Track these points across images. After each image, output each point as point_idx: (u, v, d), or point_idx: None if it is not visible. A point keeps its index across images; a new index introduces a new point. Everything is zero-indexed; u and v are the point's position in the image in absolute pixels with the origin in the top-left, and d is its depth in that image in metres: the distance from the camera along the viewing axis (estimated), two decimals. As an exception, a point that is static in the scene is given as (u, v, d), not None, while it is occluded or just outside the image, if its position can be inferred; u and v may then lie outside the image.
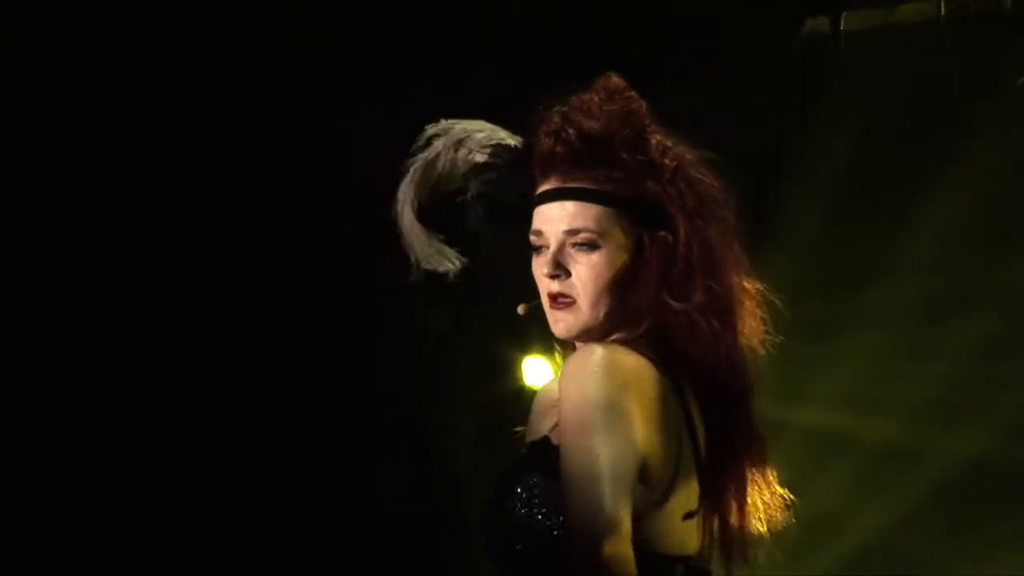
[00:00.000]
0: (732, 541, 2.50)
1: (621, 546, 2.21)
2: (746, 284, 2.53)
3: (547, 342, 5.69)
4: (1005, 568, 5.42)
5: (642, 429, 2.31)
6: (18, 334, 5.08)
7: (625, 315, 2.46)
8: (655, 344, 2.43)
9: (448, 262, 2.62)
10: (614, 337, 2.45)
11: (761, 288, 2.55)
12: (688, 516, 2.41)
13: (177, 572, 5.28)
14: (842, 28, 5.54)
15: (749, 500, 2.52)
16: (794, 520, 2.59)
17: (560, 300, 2.47)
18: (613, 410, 2.28)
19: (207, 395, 5.30)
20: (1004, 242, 5.47)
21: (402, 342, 5.53)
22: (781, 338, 2.55)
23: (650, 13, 5.34)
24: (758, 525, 2.54)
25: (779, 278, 2.62)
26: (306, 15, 5.28)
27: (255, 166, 5.31)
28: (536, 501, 2.37)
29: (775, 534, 2.57)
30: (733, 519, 2.49)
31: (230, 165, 5.28)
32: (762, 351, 2.54)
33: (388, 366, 5.53)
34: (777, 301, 2.56)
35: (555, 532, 2.33)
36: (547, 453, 2.36)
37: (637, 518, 2.28)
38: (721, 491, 2.48)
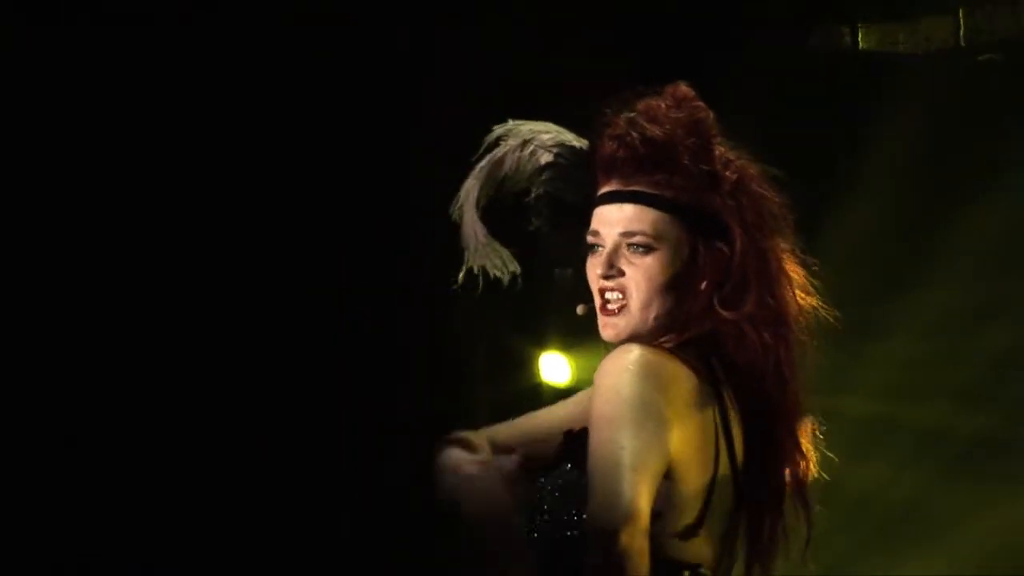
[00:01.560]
0: (758, 557, 2.50)
1: (637, 538, 2.22)
2: (800, 299, 2.54)
3: (567, 339, 5.61)
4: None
5: (674, 432, 2.33)
6: (15, 335, 5.03)
7: (674, 321, 2.48)
8: (702, 351, 2.45)
9: (503, 265, 2.64)
10: (659, 341, 2.47)
11: (816, 305, 2.56)
12: (717, 529, 2.41)
13: (178, 572, 5.24)
14: (860, 41, 5.58)
15: (783, 517, 2.51)
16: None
17: (611, 303, 2.49)
18: (643, 407, 2.30)
19: (212, 392, 5.25)
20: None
21: (418, 338, 5.47)
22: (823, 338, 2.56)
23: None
24: (788, 543, 2.54)
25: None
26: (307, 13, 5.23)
27: (259, 163, 5.27)
28: (565, 491, 2.40)
29: (803, 554, 2.55)
30: (764, 534, 2.49)
31: (231, 163, 5.24)
32: (809, 370, 2.54)
33: (404, 363, 5.51)
34: (829, 316, 2.57)
35: (577, 521, 2.36)
36: (581, 445, 2.36)
37: (658, 519, 2.29)
38: (756, 505, 2.48)
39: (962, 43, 5.57)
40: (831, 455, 2.56)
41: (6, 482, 4.97)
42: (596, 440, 2.28)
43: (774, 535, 2.50)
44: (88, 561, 5.07)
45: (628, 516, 2.21)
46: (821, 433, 2.56)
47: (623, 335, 2.47)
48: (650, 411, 2.30)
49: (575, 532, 2.36)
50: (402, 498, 5.37)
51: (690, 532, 2.38)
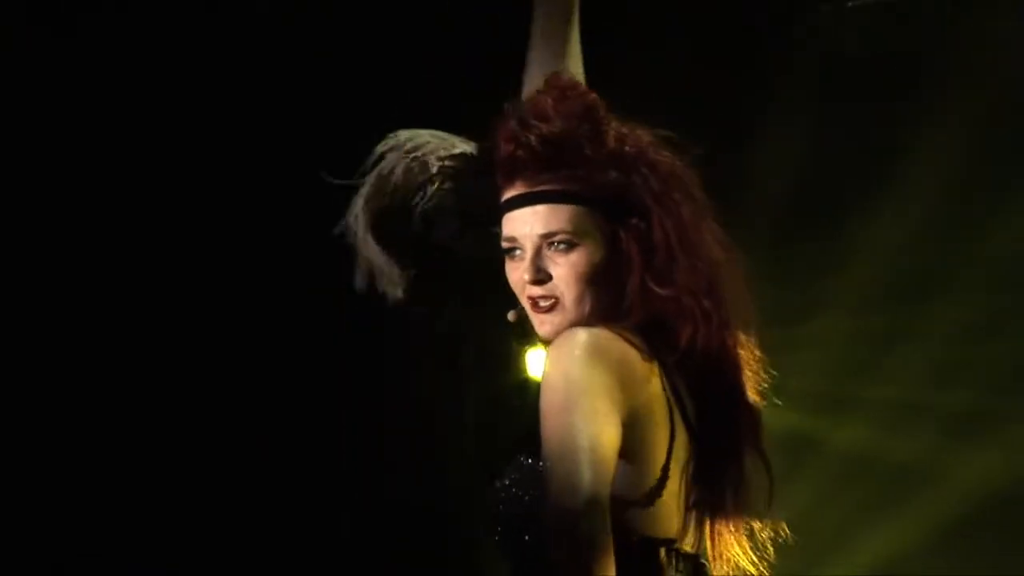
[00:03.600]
0: (725, 526, 2.50)
1: (599, 522, 2.21)
2: (728, 258, 2.53)
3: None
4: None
5: (626, 410, 2.31)
6: (17, 336, 5.09)
7: (611, 308, 2.45)
8: (644, 330, 2.42)
9: (393, 285, 2.64)
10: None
11: (743, 261, 2.55)
12: (681, 501, 2.41)
13: (179, 572, 5.27)
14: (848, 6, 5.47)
15: (741, 485, 2.51)
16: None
17: (543, 303, 2.47)
18: (595, 390, 2.28)
19: (208, 388, 5.31)
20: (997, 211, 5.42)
21: (405, 335, 5.49)
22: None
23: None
24: (752, 513, 2.54)
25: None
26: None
27: (257, 162, 5.31)
28: (523, 481, 2.39)
29: (769, 522, 2.55)
30: (728, 504, 2.49)
31: (231, 162, 5.29)
32: (752, 328, 2.54)
33: (391, 359, 5.53)
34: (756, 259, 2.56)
35: (537, 511, 2.34)
36: (536, 435, 2.35)
37: (620, 499, 2.29)
38: (717, 475, 2.48)
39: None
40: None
41: (7, 482, 5.03)
42: (550, 426, 2.27)
43: (738, 504, 2.50)
44: (89, 561, 5.12)
45: (587, 501, 2.20)
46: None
47: (561, 330, 2.44)
48: (601, 393, 2.28)
49: (536, 521, 2.34)
50: (398, 494, 5.51)
51: (651, 499, 2.37)
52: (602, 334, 2.36)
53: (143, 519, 5.20)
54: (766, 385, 2.55)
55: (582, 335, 2.34)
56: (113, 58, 5.07)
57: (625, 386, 2.32)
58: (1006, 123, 5.30)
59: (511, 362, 5.49)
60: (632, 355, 2.36)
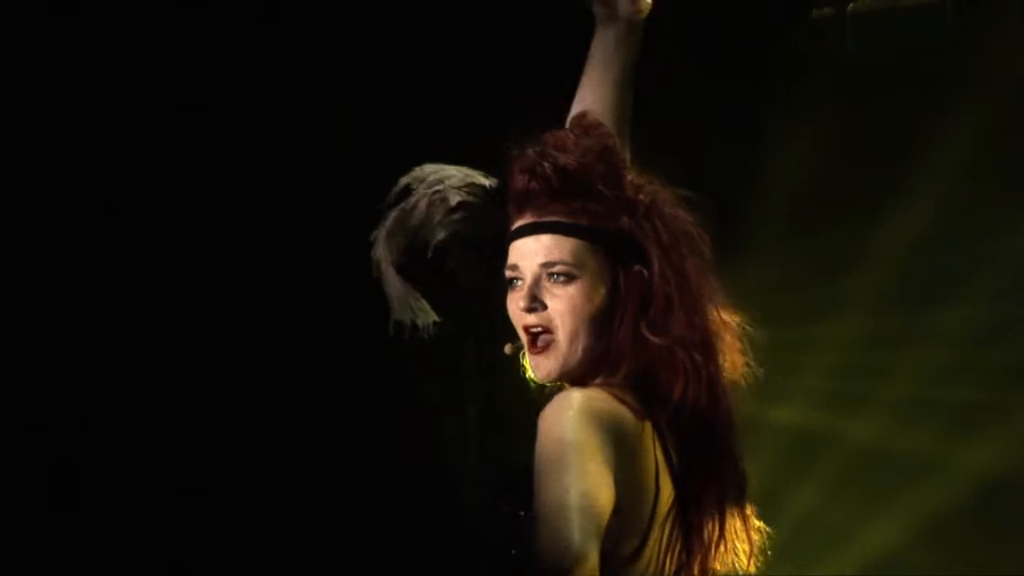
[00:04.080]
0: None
1: None
2: (725, 316, 2.53)
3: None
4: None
5: (617, 476, 2.33)
6: (20, 337, 5.09)
7: (604, 353, 2.47)
8: (636, 384, 2.45)
9: (421, 316, 2.65)
10: (595, 382, 2.47)
11: (740, 319, 2.56)
12: (664, 559, 2.43)
13: (179, 571, 5.29)
14: (849, 11, 5.54)
15: (727, 541, 2.53)
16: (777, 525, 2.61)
17: (538, 339, 2.48)
18: (587, 451, 2.30)
19: (214, 391, 5.30)
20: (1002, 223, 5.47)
21: (406, 337, 5.48)
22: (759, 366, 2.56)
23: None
24: (736, 564, 2.55)
25: (774, 263, 2.60)
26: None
27: (259, 165, 5.31)
28: (512, 534, 2.40)
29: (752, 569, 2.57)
30: (710, 562, 2.50)
31: (235, 163, 5.29)
32: (743, 383, 2.55)
33: (391, 361, 5.46)
34: (755, 331, 2.57)
35: (525, 562, 2.35)
36: (524, 486, 2.38)
37: (604, 556, 2.29)
38: (699, 532, 2.48)
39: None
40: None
41: (8, 482, 5.04)
42: (541, 484, 2.29)
43: (719, 560, 2.52)
44: (90, 560, 5.12)
45: (577, 557, 2.22)
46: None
47: (554, 373, 2.49)
48: (593, 455, 2.30)
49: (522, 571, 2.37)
50: (405, 493, 5.51)
51: (635, 557, 2.39)
52: (595, 395, 2.39)
53: (145, 519, 5.21)
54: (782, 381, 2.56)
55: (576, 396, 2.36)
56: (128, 57, 5.11)
57: (616, 447, 2.34)
58: (1020, 125, 5.37)
59: (511, 363, 5.51)
60: (624, 415, 2.39)
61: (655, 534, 2.41)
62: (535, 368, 2.51)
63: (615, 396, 2.41)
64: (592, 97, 2.69)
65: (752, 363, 2.55)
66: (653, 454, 2.41)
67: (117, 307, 5.20)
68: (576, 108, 2.70)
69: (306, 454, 5.40)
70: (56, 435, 5.12)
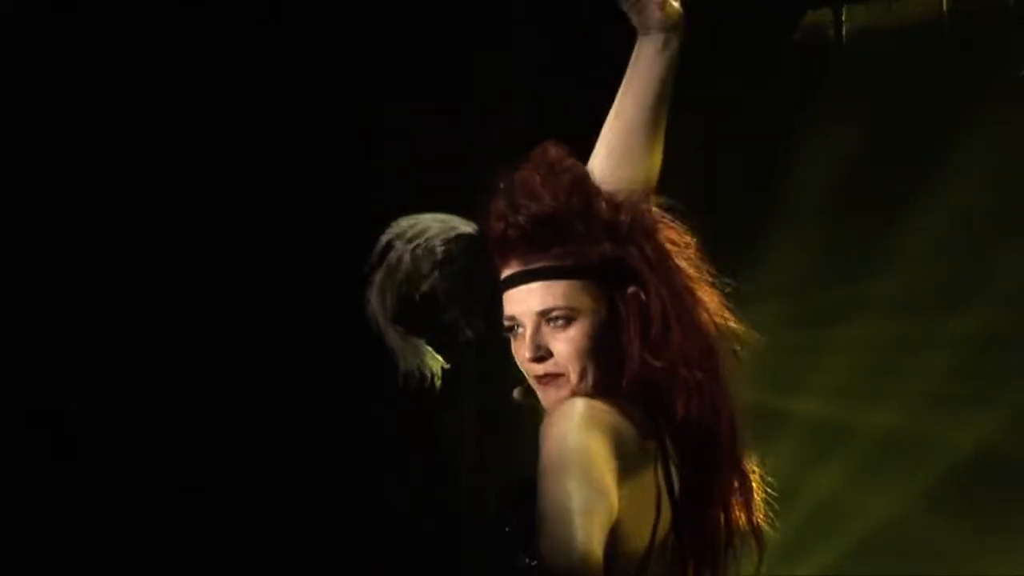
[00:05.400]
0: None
1: None
2: (722, 324, 2.53)
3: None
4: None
5: (619, 478, 2.32)
6: (25, 338, 5.09)
7: (611, 378, 2.46)
8: (639, 401, 2.44)
9: (432, 361, 2.65)
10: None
11: (740, 325, 2.54)
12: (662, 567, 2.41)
13: (180, 570, 5.29)
14: (844, 20, 5.57)
15: (729, 552, 2.51)
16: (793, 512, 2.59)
17: (549, 381, 2.47)
18: (590, 457, 2.30)
19: (214, 391, 5.31)
20: (1004, 234, 5.51)
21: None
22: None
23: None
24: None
25: (780, 271, 2.59)
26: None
27: (254, 163, 5.31)
28: (518, 540, 2.39)
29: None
30: (707, 569, 2.48)
31: (232, 162, 5.30)
32: (743, 392, 2.53)
33: (390, 361, 5.51)
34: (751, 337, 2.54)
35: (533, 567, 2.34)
36: (531, 494, 2.36)
37: (610, 565, 2.27)
38: (702, 541, 2.47)
39: (945, 20, 5.53)
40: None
41: (9, 483, 5.05)
42: (545, 488, 2.27)
43: (722, 559, 2.50)
44: (90, 560, 5.12)
45: (581, 559, 2.20)
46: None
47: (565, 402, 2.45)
48: (596, 459, 2.29)
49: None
50: (404, 494, 5.52)
51: (640, 566, 2.38)
52: (599, 404, 2.38)
53: (146, 519, 5.21)
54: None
55: (580, 404, 2.36)
56: (132, 57, 5.11)
57: (619, 454, 2.33)
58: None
59: (510, 365, 5.52)
60: (628, 428, 2.38)
61: (660, 536, 2.40)
62: (544, 399, 2.49)
63: (620, 409, 2.41)
64: (630, 111, 2.62)
65: (753, 368, 2.54)
66: (655, 476, 2.41)
67: (117, 307, 5.21)
68: (611, 119, 2.63)
69: (305, 453, 5.41)
70: (56, 435, 5.12)
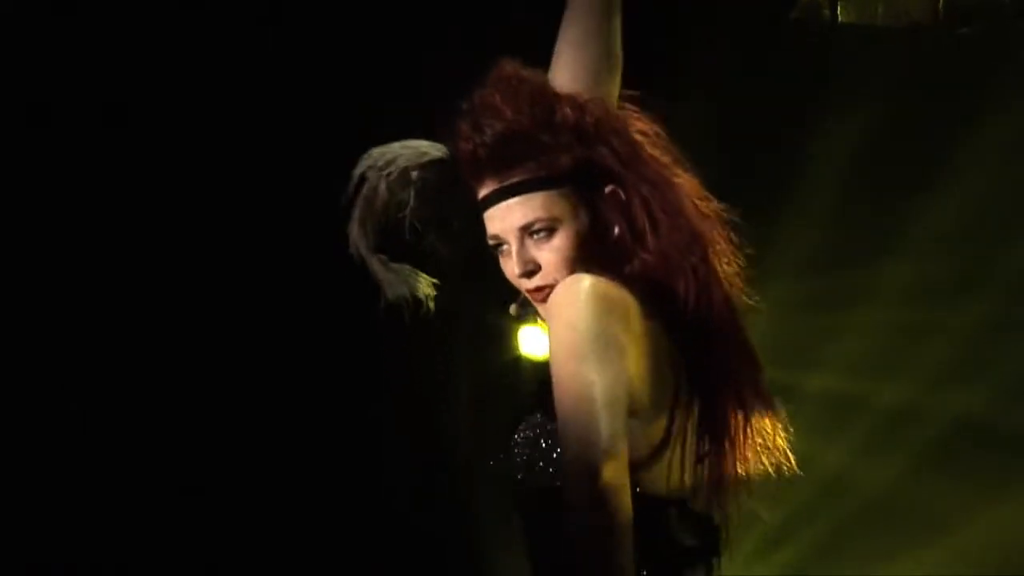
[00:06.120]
0: (723, 481, 2.46)
1: (619, 472, 2.18)
2: (705, 208, 2.52)
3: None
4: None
5: (632, 359, 2.28)
6: (30, 338, 5.09)
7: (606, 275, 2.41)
8: (638, 294, 2.40)
9: (420, 288, 2.62)
10: None
11: (721, 208, 2.54)
12: (688, 457, 2.39)
13: (180, 570, 5.28)
14: (839, 13, 5.61)
15: (747, 438, 2.48)
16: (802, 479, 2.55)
17: (543, 292, 2.45)
18: (603, 338, 2.25)
19: (211, 391, 5.31)
20: (1004, 226, 5.53)
21: (400, 312, 5.48)
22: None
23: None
24: (755, 466, 2.51)
25: (787, 256, 2.58)
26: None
27: (258, 158, 5.33)
28: (540, 439, 2.38)
29: (775, 479, 2.53)
30: (726, 458, 2.46)
31: (228, 161, 5.31)
32: (736, 277, 2.52)
33: (386, 337, 5.49)
34: (737, 219, 2.54)
35: (554, 468, 2.33)
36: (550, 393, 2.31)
37: (630, 458, 2.23)
38: (714, 430, 2.44)
39: (940, 16, 5.57)
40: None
41: (10, 483, 5.04)
42: (562, 377, 2.23)
43: (736, 458, 2.46)
44: (91, 560, 5.13)
45: (607, 452, 2.16)
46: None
47: None
48: (609, 340, 2.25)
49: (556, 482, 2.29)
50: (400, 468, 5.50)
51: (658, 454, 2.35)
52: (604, 281, 2.33)
53: (146, 519, 5.21)
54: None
55: (586, 280, 2.31)
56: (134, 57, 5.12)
57: (630, 333, 2.30)
58: None
59: (504, 338, 5.53)
60: (632, 302, 2.34)
61: (678, 435, 2.38)
62: (541, 308, 2.47)
63: (624, 286, 2.37)
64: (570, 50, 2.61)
65: (739, 249, 2.53)
66: (667, 346, 2.38)
67: (116, 307, 5.21)
68: (566, 11, 2.63)
69: (305, 452, 5.41)
70: (56, 435, 5.11)
